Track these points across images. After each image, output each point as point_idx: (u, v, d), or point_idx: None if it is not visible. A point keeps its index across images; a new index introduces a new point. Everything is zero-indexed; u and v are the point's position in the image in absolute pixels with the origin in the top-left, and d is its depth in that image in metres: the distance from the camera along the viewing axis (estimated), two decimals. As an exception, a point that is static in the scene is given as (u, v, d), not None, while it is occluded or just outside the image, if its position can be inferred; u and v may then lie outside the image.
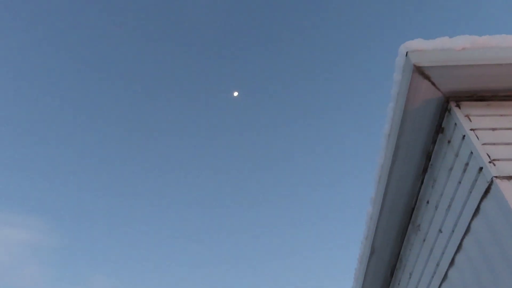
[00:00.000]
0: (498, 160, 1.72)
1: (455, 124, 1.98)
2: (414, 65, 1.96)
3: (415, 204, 2.56)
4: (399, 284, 2.93)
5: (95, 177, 17.56)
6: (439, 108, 2.10)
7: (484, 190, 1.71)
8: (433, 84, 2.03)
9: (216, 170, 18.15)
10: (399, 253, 2.91)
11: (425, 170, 2.40)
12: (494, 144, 1.78)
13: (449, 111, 2.05)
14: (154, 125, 17.38)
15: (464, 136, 1.88)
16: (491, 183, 1.67)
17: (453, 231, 1.99)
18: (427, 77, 2.01)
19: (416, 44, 2.07)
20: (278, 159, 18.11)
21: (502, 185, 1.63)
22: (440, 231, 2.16)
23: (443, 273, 2.09)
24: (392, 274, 3.08)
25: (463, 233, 1.89)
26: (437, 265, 2.18)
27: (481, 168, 1.73)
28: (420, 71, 1.99)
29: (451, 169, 2.04)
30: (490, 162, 1.71)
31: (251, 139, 17.81)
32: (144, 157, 17.62)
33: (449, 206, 2.06)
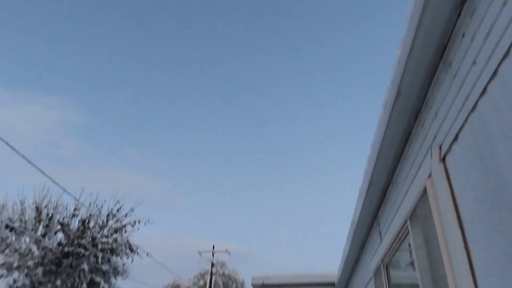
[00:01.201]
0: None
1: None
2: None
3: (448, 40, 2.44)
4: (423, 125, 2.97)
5: (118, 54, 17.33)
6: None
7: (532, 6, 1.58)
8: None
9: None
10: (426, 95, 2.89)
11: (463, 1, 2.23)
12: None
13: None
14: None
15: None
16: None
17: (489, 58, 1.91)
18: None
19: None
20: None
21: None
22: (474, 62, 2.08)
23: (473, 104, 2.08)
24: (416, 117, 3.12)
25: (500, 59, 1.81)
26: (467, 97, 2.16)
27: (532, -18, 1.57)
28: None
29: (495, -8, 1.87)
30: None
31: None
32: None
33: (488, 34, 1.95)
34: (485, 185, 2.03)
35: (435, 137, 2.66)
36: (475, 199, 2.15)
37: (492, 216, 1.96)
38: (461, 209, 2.33)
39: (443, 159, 2.52)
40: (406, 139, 3.40)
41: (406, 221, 3.33)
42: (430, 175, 2.67)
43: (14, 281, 14.51)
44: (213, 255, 36.72)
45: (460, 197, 2.35)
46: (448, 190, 2.42)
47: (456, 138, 2.32)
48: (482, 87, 1.96)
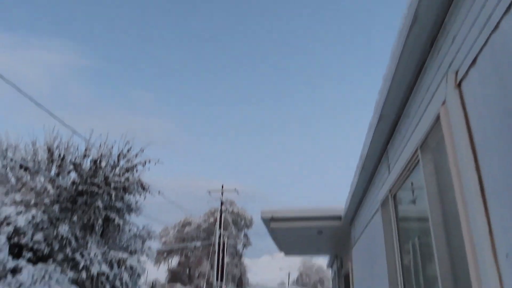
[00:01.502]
0: None
1: None
2: None
3: (472, -43, 2.29)
4: (438, 52, 2.88)
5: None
6: None
7: None
8: None
9: None
10: (444, 20, 2.77)
11: None
12: None
13: None
14: None
15: None
16: None
17: (516, -28, 1.80)
18: None
19: None
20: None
21: None
22: (499, -22, 1.96)
23: (495, 23, 1.98)
24: (432, 45, 3.01)
25: (529, -29, 1.71)
26: (488, 18, 2.06)
27: None
28: None
29: None
30: None
31: None
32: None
33: None
34: (503, 110, 1.99)
35: (451, 63, 2.59)
36: (491, 125, 2.12)
37: (509, 142, 1.94)
38: (475, 135, 2.31)
39: (458, 85, 2.46)
40: (420, 69, 3.31)
41: (416, 150, 3.34)
42: (444, 102, 2.63)
43: (33, 217, 15.16)
44: (222, 194, 37.81)
45: (474, 123, 2.32)
46: (463, 116, 2.39)
47: (474, 61, 2.25)
48: (507, 4, 1.86)
